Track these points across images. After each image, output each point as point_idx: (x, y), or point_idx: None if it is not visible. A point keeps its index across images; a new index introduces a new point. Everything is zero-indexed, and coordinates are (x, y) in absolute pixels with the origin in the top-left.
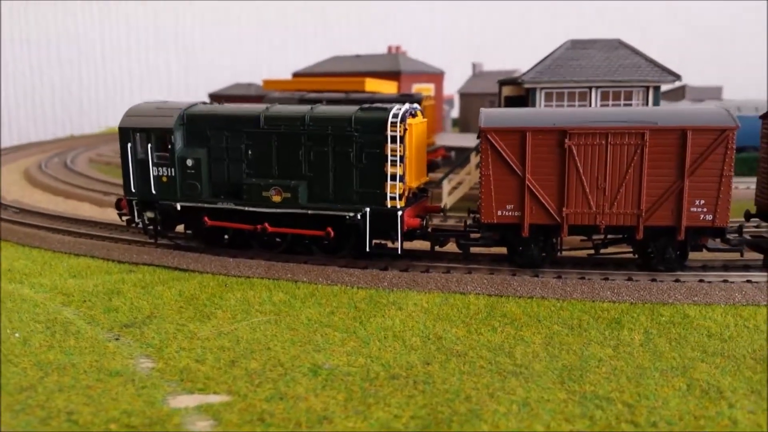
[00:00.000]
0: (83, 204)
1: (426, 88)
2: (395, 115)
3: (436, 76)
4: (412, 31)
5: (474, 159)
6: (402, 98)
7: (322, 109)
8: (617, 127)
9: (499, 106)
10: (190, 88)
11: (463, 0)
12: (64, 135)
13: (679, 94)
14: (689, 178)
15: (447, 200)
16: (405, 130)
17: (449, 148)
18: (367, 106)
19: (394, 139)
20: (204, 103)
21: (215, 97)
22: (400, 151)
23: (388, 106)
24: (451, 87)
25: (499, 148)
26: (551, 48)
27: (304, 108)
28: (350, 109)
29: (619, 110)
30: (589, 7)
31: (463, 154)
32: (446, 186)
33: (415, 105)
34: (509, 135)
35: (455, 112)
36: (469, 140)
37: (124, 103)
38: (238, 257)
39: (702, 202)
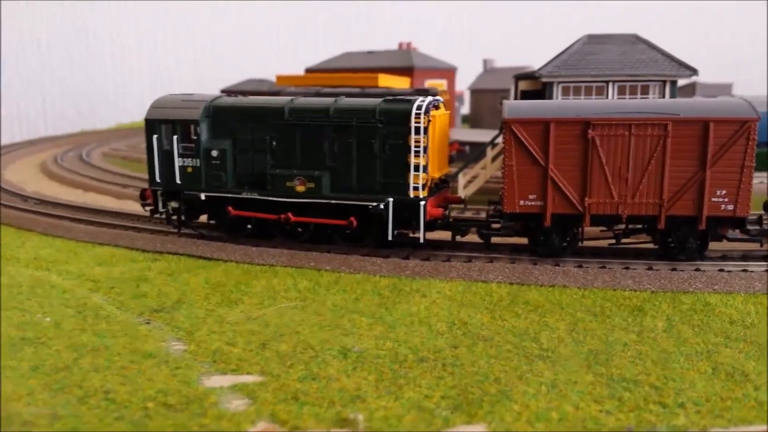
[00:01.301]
0: (103, 197)
1: (438, 84)
2: (419, 107)
3: (448, 72)
4: (422, 28)
5: (489, 153)
6: (417, 93)
7: (347, 101)
8: (640, 118)
9: (515, 100)
10: (200, 84)
11: None
12: (74, 131)
13: (689, 90)
14: (711, 169)
15: (462, 193)
16: (429, 121)
17: (463, 143)
18: (391, 97)
19: (417, 131)
20: (228, 94)
21: (229, 93)
22: (423, 142)
23: (411, 97)
24: (462, 84)
25: (523, 139)
26: (562, 44)
27: (329, 100)
28: (374, 101)
29: (641, 102)
30: (599, 5)
31: (477, 148)
32: (462, 179)
33: (438, 97)
34: (533, 126)
35: (465, 109)
36: (482, 135)
37: (134, 100)
38: (260, 246)
39: (723, 192)
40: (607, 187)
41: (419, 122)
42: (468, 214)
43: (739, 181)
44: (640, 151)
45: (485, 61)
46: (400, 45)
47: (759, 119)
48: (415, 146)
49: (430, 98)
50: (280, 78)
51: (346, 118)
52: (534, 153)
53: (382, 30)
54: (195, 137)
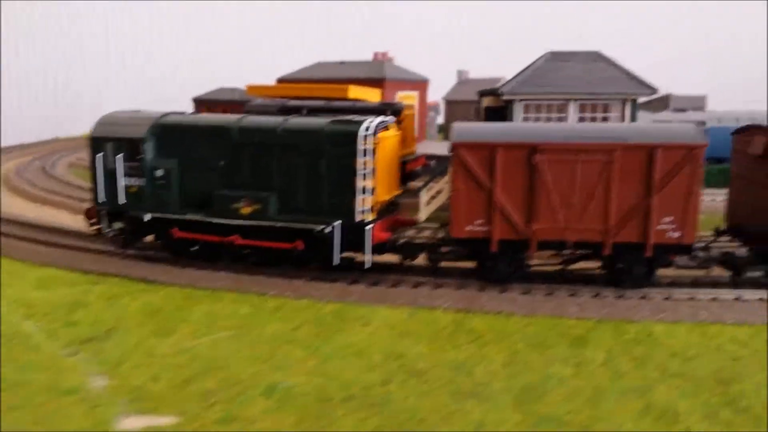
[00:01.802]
0: (61, 212)
1: (410, 96)
2: (366, 129)
3: (420, 84)
4: (400, 38)
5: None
6: (383, 107)
7: (295, 121)
8: (587, 143)
9: (479, 116)
10: (175, 91)
11: (455, 2)
12: (49, 137)
13: (663, 103)
14: (657, 195)
15: (424, 210)
16: (376, 143)
17: (430, 157)
18: (339, 119)
19: (364, 153)
20: (176, 112)
21: (199, 102)
22: (370, 164)
23: (360, 119)
24: (438, 93)
25: (470, 164)
26: (537, 56)
27: (277, 120)
28: (322, 122)
29: (589, 126)
30: (578, 14)
31: (443, 162)
32: (424, 196)
33: (388, 118)
34: (480, 150)
35: (441, 119)
36: (447, 148)
37: (111, 105)
38: (206, 269)
39: (670, 219)
40: (554, 212)
41: (366, 144)
42: (428, 233)
43: (686, 207)
44: (586, 176)
45: (459, 72)
46: (376, 55)
47: (706, 146)
48: (362, 169)
49: (379, 119)
50: (250, 88)
51: (293, 138)
52: (480, 177)
53: (361, 39)
54: (140, 156)
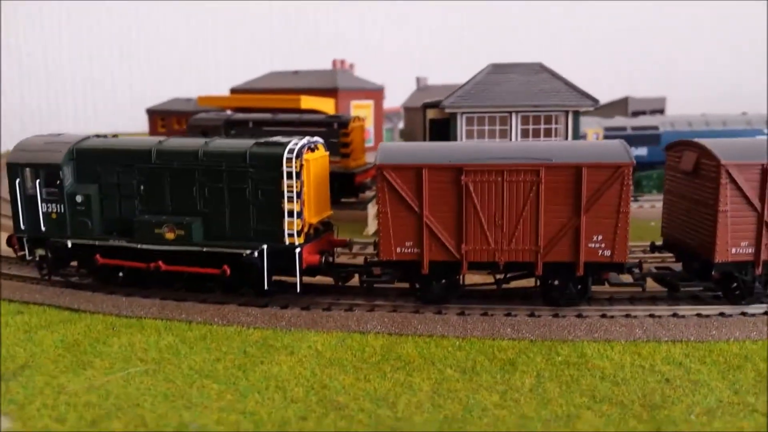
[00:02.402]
0: None
1: (365, 105)
2: (291, 151)
3: (375, 93)
4: (360, 46)
5: None
6: (329, 119)
7: (217, 143)
8: (512, 164)
9: (424, 129)
10: (135, 101)
11: (415, 10)
12: (4, 150)
13: (621, 106)
14: (586, 215)
15: (373, 223)
16: (301, 165)
17: None
18: (263, 140)
19: (290, 175)
20: (97, 136)
21: (153, 113)
22: (296, 187)
23: (285, 140)
24: (401, 99)
25: (396, 185)
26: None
27: (198, 142)
28: (245, 144)
29: (517, 146)
30: (537, 19)
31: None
32: (371, 209)
33: (316, 138)
34: (406, 172)
35: (403, 124)
36: None
37: (68, 118)
38: (133, 295)
39: (600, 237)
40: (483, 233)
41: (291, 167)
42: (371, 249)
43: (616, 226)
44: (514, 197)
45: (418, 79)
46: (335, 63)
47: (633, 164)
48: (288, 192)
49: (305, 141)
50: (201, 98)
51: (215, 161)
52: (408, 199)
53: (321, 48)
54: (59, 182)
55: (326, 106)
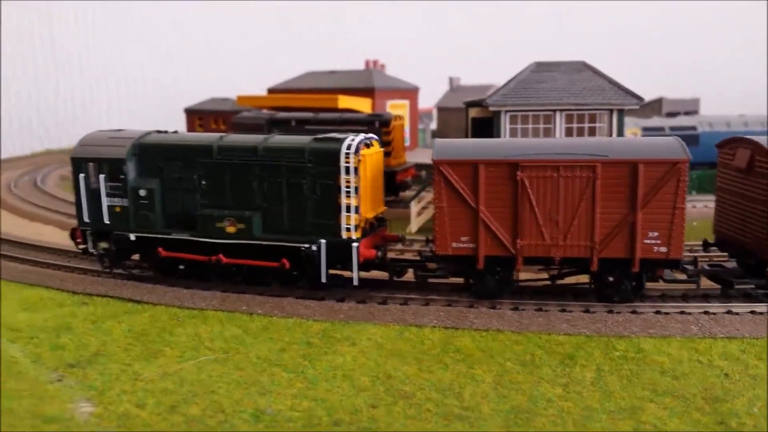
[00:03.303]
0: (47, 227)
1: (401, 105)
2: (349, 147)
3: (410, 92)
4: (393, 45)
5: None
6: (371, 118)
7: (276, 139)
8: (568, 160)
9: (466, 127)
10: (169, 100)
11: (446, 9)
12: (40, 149)
13: (655, 107)
14: (642, 211)
15: (415, 221)
16: (359, 161)
17: (421, 166)
18: (321, 136)
19: (347, 171)
20: (158, 131)
21: (191, 112)
22: (354, 182)
23: (342, 136)
24: (432, 100)
25: (452, 181)
26: (527, 62)
27: (258, 138)
28: (304, 140)
29: (572, 141)
30: (569, 18)
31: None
32: (414, 207)
33: (371, 135)
34: (462, 167)
35: (434, 125)
36: None
37: (102, 115)
38: (193, 288)
39: (655, 234)
40: (539, 229)
41: (349, 162)
42: (417, 246)
43: (671, 222)
44: (569, 192)
45: (451, 79)
46: (367, 63)
47: (689, 160)
48: (346, 187)
49: (361, 137)
50: (240, 98)
51: (275, 157)
52: (464, 194)
53: (353, 47)
54: (122, 176)
55: (363, 105)
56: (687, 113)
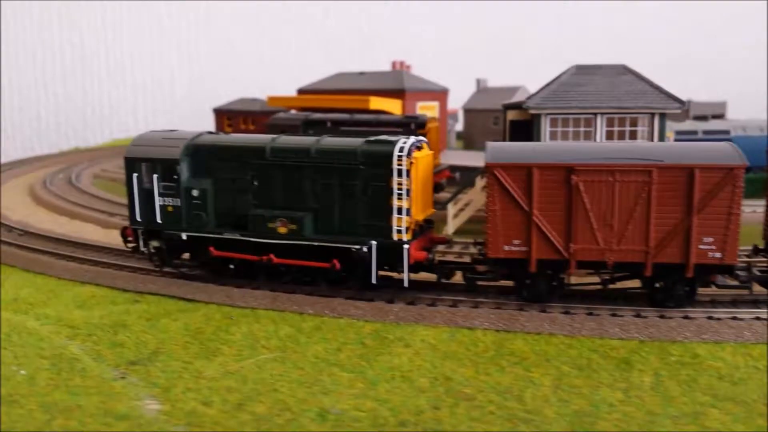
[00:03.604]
0: (87, 225)
1: (430, 106)
2: (401, 149)
3: (440, 94)
4: (417, 46)
5: (479, 182)
6: (406, 120)
7: (328, 141)
8: (624, 164)
9: (504, 129)
10: (194, 100)
11: (471, 10)
12: (68, 147)
13: (683, 111)
14: (697, 216)
15: (452, 223)
16: (411, 163)
17: (454, 168)
18: (373, 138)
19: (400, 173)
20: (210, 132)
21: (220, 112)
22: (406, 184)
23: (393, 138)
24: (456, 101)
25: (506, 184)
26: (554, 64)
27: (310, 140)
28: (356, 142)
29: (626, 146)
30: (593, 22)
31: (468, 174)
32: (451, 209)
33: (422, 138)
34: (515, 171)
35: (459, 126)
36: (474, 159)
37: (128, 114)
38: (243, 287)
39: (710, 239)
40: (593, 233)
41: (401, 165)
42: (457, 248)
43: (726, 228)
44: (624, 197)
45: (478, 81)
46: (394, 64)
47: (746, 166)
48: (398, 189)
49: (413, 139)
50: (271, 99)
51: (327, 159)
52: (517, 198)
53: (378, 48)
54: (175, 176)
55: (394, 107)
56: (714, 116)
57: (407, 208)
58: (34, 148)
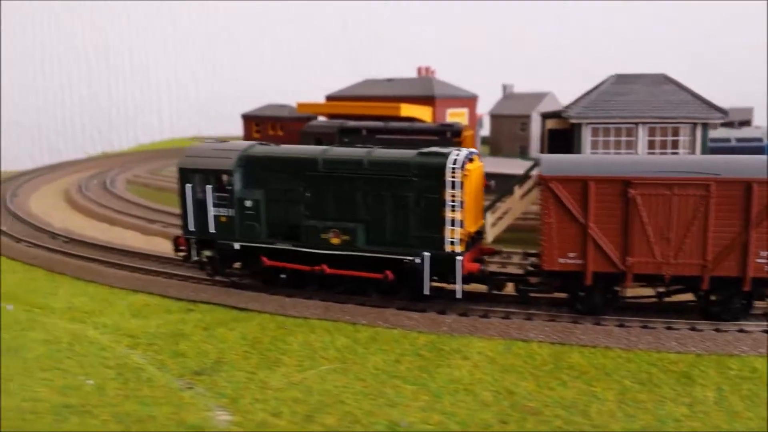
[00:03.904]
0: (128, 232)
1: (459, 113)
2: (455, 161)
3: (469, 101)
4: (440, 51)
5: (518, 191)
6: (442, 128)
7: (381, 153)
8: (682, 178)
9: (542, 138)
10: (218, 104)
11: (494, 14)
12: (94, 151)
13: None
14: (755, 230)
15: (490, 232)
16: (464, 175)
17: (489, 176)
18: (425, 150)
19: (453, 185)
20: (260, 143)
21: (248, 118)
22: (459, 196)
23: (446, 150)
24: (480, 106)
25: (561, 197)
26: (577, 69)
27: (362, 151)
28: (408, 154)
29: (683, 159)
30: (614, 28)
31: (503, 181)
32: (489, 218)
33: (473, 150)
34: (571, 184)
35: (484, 132)
36: (509, 165)
37: (153, 117)
38: (294, 296)
39: (767, 253)
40: (649, 246)
41: (455, 177)
42: (499, 258)
43: None
44: (682, 210)
45: (504, 87)
46: (419, 69)
47: None
48: (451, 201)
49: (465, 152)
50: (301, 105)
51: (380, 170)
52: (573, 211)
53: (399, 53)
54: (229, 187)
55: (424, 114)
56: (741, 123)
57: (460, 220)
58: (60, 151)
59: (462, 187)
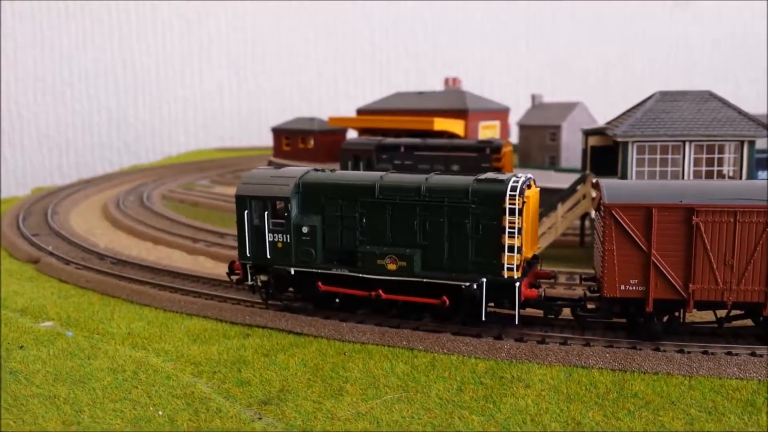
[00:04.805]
0: (174, 252)
1: (491, 126)
2: (513, 188)
3: (501, 113)
4: (466, 61)
5: (561, 208)
6: (481, 145)
7: (438, 179)
8: (746, 205)
9: (584, 155)
10: (246, 117)
11: (520, 23)
12: (121, 163)
13: None
14: None
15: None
16: (523, 202)
17: None
18: (483, 177)
19: (512, 212)
20: (316, 169)
21: (278, 131)
22: (518, 223)
23: (504, 177)
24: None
25: (624, 224)
26: (605, 79)
27: (420, 178)
28: (466, 181)
29: (746, 185)
30: (637, 38)
31: (546, 196)
32: None
33: (530, 175)
34: (634, 211)
35: (512, 140)
36: (546, 179)
37: (179, 130)
38: (348, 321)
39: None
40: (712, 273)
41: (514, 203)
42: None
43: None
44: (745, 237)
45: (533, 97)
46: (446, 81)
47: None
48: (510, 227)
49: (524, 178)
50: (332, 119)
51: (437, 197)
52: (636, 238)
53: (425, 63)
54: (285, 213)
55: (457, 127)
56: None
57: (519, 246)
58: (88, 164)
59: (521, 214)
